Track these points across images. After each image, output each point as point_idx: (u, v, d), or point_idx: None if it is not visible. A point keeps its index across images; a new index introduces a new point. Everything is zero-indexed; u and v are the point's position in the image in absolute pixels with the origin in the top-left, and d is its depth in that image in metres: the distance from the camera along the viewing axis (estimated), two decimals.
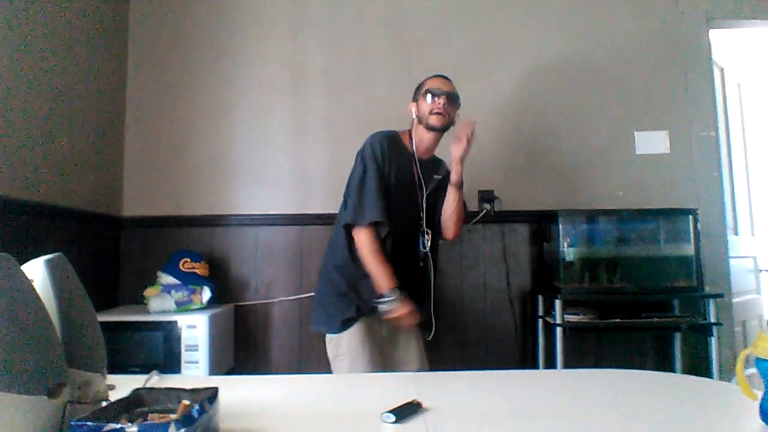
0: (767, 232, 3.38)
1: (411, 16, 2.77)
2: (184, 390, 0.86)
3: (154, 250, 2.60)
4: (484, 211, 2.60)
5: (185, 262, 2.37)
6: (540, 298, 2.54)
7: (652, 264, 2.44)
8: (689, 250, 2.41)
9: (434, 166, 1.97)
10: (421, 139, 1.90)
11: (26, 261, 0.83)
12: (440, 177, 1.95)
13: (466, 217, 2.01)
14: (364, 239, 1.78)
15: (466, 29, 2.76)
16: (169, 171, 2.70)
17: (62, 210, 2.18)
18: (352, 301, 1.84)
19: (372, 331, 1.84)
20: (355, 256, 1.83)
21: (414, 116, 1.91)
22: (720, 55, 2.95)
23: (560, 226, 2.39)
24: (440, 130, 1.87)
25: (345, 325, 1.83)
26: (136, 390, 0.87)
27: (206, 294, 2.31)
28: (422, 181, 1.89)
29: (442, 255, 2.59)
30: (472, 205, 2.62)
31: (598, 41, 2.75)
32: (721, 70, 3.00)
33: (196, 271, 2.37)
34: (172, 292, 2.26)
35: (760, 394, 0.90)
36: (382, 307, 1.76)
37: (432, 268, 1.92)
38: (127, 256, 2.63)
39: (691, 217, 2.42)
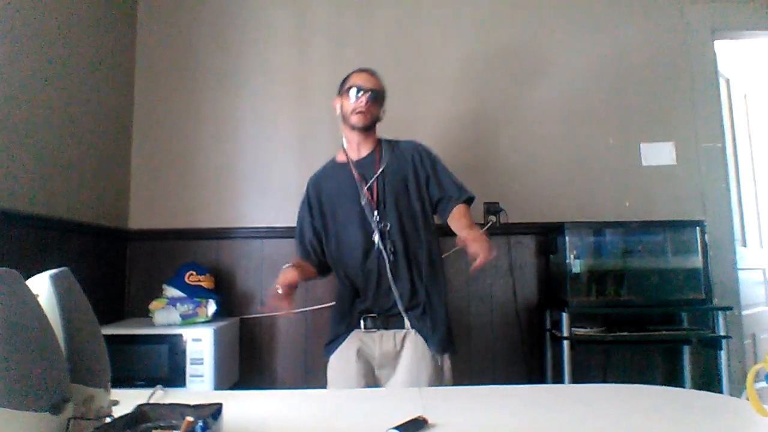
0: None
1: (416, 30, 2.78)
2: (188, 406, 0.86)
3: (160, 263, 2.61)
4: (490, 223, 2.60)
5: (191, 274, 2.37)
6: (547, 311, 2.52)
7: (660, 276, 2.42)
8: (697, 262, 2.39)
9: (373, 154, 1.85)
10: (350, 140, 1.87)
11: (32, 275, 0.83)
12: (383, 168, 1.82)
13: None
14: None
15: (474, 41, 2.77)
16: (175, 184, 2.71)
17: (69, 223, 2.19)
18: (335, 320, 1.85)
19: (360, 354, 1.75)
20: (337, 276, 1.89)
21: (338, 113, 1.86)
22: (725, 66, 2.94)
23: (566, 238, 2.38)
24: (363, 130, 1.82)
25: (328, 348, 1.81)
26: (140, 406, 0.87)
27: (212, 307, 2.31)
28: (361, 178, 1.80)
29: (448, 267, 2.59)
30: (478, 217, 2.62)
31: (603, 53, 2.76)
32: (727, 81, 3.00)
33: (202, 283, 2.37)
34: (178, 305, 2.26)
35: None
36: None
37: (406, 265, 1.77)
38: (134, 269, 2.64)
39: (698, 228, 2.41)
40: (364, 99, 1.78)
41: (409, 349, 1.73)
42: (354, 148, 1.87)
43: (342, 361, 1.76)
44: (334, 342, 1.81)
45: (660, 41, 2.76)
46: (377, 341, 1.75)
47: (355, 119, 1.79)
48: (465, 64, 2.76)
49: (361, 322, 1.77)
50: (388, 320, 1.75)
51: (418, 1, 2.81)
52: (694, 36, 2.76)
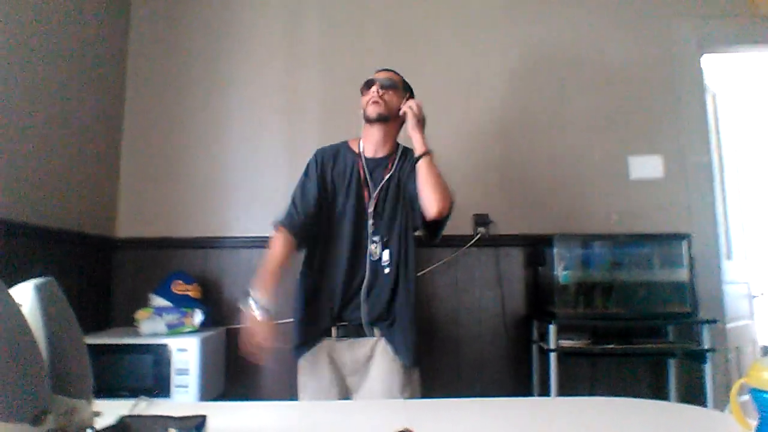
0: (760, 258, 3.39)
1: (408, 41, 2.80)
2: (171, 418, 0.85)
3: (148, 272, 2.58)
4: (479, 234, 2.60)
5: (178, 284, 2.35)
6: (534, 322, 2.53)
7: (647, 289, 2.43)
8: (683, 275, 2.41)
9: (387, 160, 1.85)
10: (368, 136, 1.85)
11: (16, 284, 0.82)
12: (396, 170, 1.82)
13: (448, 191, 1.70)
14: (271, 241, 1.79)
15: (463, 53, 2.80)
16: (164, 192, 2.70)
17: (55, 231, 2.17)
18: (304, 321, 1.81)
19: (331, 361, 1.75)
20: (311, 267, 1.83)
21: (362, 116, 1.85)
22: (712, 80, 2.98)
23: (555, 250, 2.39)
24: (378, 120, 1.79)
25: (298, 351, 1.79)
26: (123, 417, 0.86)
27: (198, 317, 2.29)
28: (368, 179, 1.81)
29: (437, 279, 2.61)
30: (467, 229, 2.63)
31: (592, 67, 2.79)
32: (714, 95, 3.04)
33: (189, 293, 2.35)
34: (164, 314, 2.24)
35: (754, 423, 0.89)
36: (242, 306, 1.65)
37: (393, 277, 1.76)
38: (120, 278, 2.62)
39: (685, 242, 2.43)
40: (374, 88, 1.79)
41: (379, 357, 1.74)
42: (371, 146, 1.85)
43: (313, 367, 1.76)
44: (303, 346, 1.79)
45: (647, 55, 2.79)
46: (347, 349, 1.76)
47: (369, 110, 1.80)
48: (454, 77, 2.77)
49: (333, 330, 1.76)
50: (358, 329, 1.75)
51: (408, 15, 2.83)
52: (681, 50, 2.79)
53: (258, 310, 1.63)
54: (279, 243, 1.77)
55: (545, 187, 2.70)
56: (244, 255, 2.63)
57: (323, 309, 1.78)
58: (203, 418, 0.85)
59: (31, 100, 2.05)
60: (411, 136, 1.74)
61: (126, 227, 2.67)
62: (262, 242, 2.59)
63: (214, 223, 2.67)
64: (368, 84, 1.83)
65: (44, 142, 2.13)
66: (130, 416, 0.87)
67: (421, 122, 1.75)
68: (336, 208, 1.82)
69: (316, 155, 1.90)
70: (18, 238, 1.95)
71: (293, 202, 1.85)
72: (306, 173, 1.88)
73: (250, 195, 2.69)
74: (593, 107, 2.76)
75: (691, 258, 2.42)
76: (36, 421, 0.69)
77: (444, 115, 2.73)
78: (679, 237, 2.47)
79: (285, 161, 2.71)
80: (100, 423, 0.84)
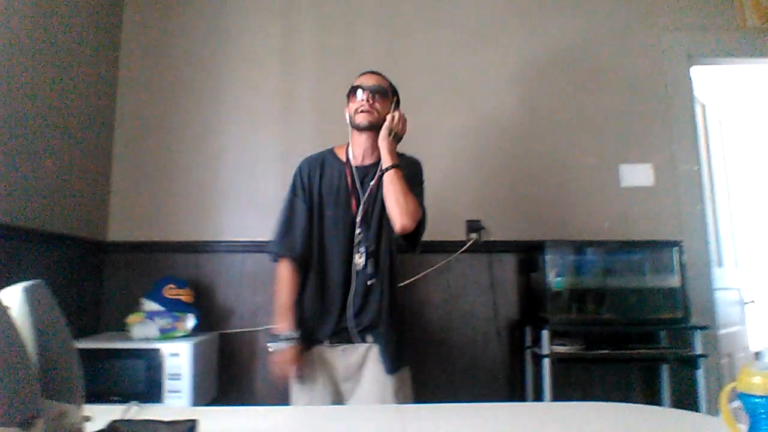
0: (751, 265, 3.42)
1: (402, 48, 2.81)
2: (162, 422, 0.84)
3: (139, 276, 2.57)
4: (472, 240, 2.61)
5: (170, 288, 2.34)
6: (527, 328, 2.53)
7: (639, 295, 2.44)
8: (675, 281, 2.42)
9: (375, 167, 1.78)
10: (356, 143, 1.80)
11: (4, 287, 0.81)
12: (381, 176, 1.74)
13: (411, 207, 1.66)
14: (277, 274, 1.79)
15: (461, 61, 2.81)
16: (156, 196, 2.68)
17: (46, 234, 2.15)
18: (299, 332, 1.78)
19: (324, 367, 1.74)
20: (304, 281, 1.80)
21: (348, 121, 1.80)
22: (701, 91, 3.02)
23: (547, 256, 2.40)
24: (368, 128, 1.74)
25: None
26: (113, 422, 0.85)
27: (191, 321, 2.28)
28: (357, 187, 1.77)
29: (430, 285, 2.61)
30: (460, 235, 2.63)
31: (584, 77, 2.81)
32: (703, 106, 3.07)
33: (181, 297, 2.34)
34: (156, 319, 2.22)
35: (745, 428, 0.90)
36: (270, 347, 1.69)
37: (379, 285, 1.75)
38: (111, 282, 2.59)
39: (676, 249, 2.45)
40: (365, 96, 1.74)
41: (371, 363, 1.73)
42: (360, 153, 1.80)
43: (306, 373, 1.74)
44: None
45: (639, 65, 2.82)
46: (340, 355, 1.75)
47: (360, 118, 1.74)
48: (449, 83, 2.79)
49: (326, 338, 1.75)
50: (350, 336, 1.74)
51: (403, 19, 2.85)
52: (670, 62, 2.83)
53: (286, 342, 1.68)
54: (286, 275, 1.77)
55: (538, 193, 2.71)
56: (237, 259, 2.62)
57: (318, 321, 1.76)
58: (194, 422, 0.84)
59: (22, 102, 2.03)
60: (380, 146, 1.72)
61: (117, 230, 2.64)
62: (255, 246, 2.61)
63: (207, 227, 2.66)
64: (356, 90, 1.78)
65: (35, 144, 2.11)
66: (120, 421, 0.86)
67: (394, 136, 1.73)
68: (325, 219, 1.79)
69: (301, 167, 1.85)
70: (7, 240, 1.92)
71: (286, 224, 1.81)
72: (293, 190, 1.83)
73: (244, 199, 2.69)
74: (586, 116, 2.78)
75: (682, 265, 2.43)
76: (26, 425, 0.69)
77: (438, 120, 2.75)
78: (670, 244, 2.49)
79: (279, 165, 2.70)
80: (91, 427, 0.84)
